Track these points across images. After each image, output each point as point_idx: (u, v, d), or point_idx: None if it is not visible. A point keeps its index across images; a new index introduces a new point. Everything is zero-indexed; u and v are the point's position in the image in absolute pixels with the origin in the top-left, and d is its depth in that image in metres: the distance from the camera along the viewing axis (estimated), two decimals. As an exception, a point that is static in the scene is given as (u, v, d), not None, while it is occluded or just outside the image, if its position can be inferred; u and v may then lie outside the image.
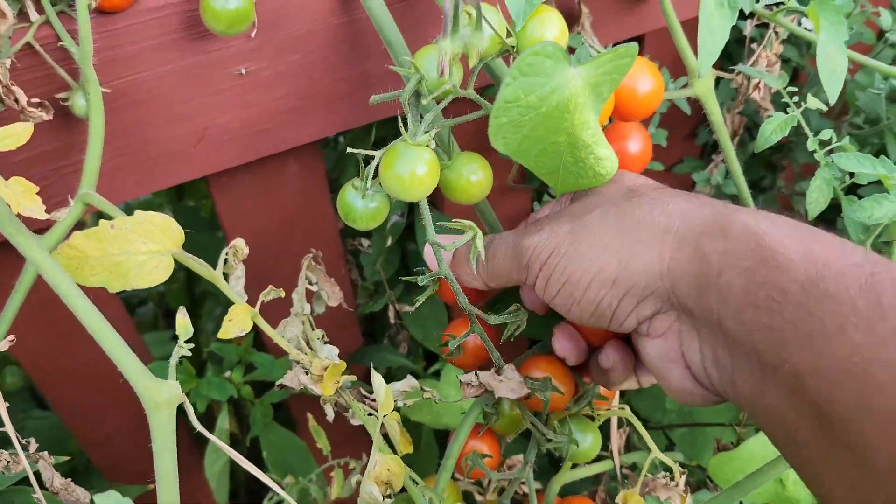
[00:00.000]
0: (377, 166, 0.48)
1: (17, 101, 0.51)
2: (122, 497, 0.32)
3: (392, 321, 0.89)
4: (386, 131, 0.79)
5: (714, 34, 0.55)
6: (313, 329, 0.60)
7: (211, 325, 1.06)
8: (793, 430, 0.37)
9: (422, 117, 0.49)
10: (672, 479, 0.59)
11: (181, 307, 0.45)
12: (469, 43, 0.46)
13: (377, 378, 0.52)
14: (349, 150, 0.45)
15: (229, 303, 0.54)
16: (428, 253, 0.54)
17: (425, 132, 0.47)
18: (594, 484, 0.83)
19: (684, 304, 0.43)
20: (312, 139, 0.68)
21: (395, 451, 0.56)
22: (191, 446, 0.89)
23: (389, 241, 0.82)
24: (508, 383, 0.53)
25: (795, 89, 0.66)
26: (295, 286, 0.63)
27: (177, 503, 0.42)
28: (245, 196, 0.72)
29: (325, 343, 0.59)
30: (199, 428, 0.44)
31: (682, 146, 0.91)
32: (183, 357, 0.48)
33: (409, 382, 0.58)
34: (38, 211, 0.42)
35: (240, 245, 0.56)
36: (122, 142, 0.61)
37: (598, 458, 0.71)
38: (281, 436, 0.82)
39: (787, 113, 0.64)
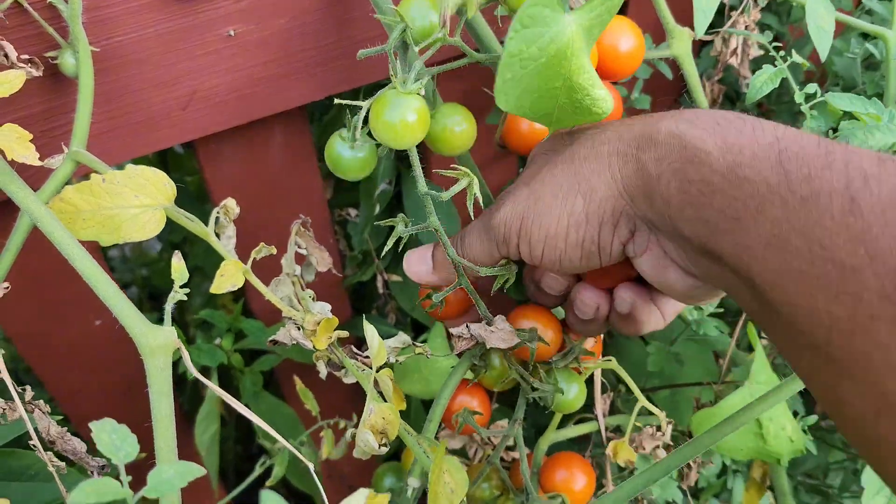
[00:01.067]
0: (366, 115, 0.49)
1: (6, 56, 0.51)
2: (118, 424, 0.33)
3: (381, 291, 0.89)
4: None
5: None
6: (303, 290, 0.61)
7: (199, 299, 1.06)
8: (744, 304, 0.41)
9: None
10: (659, 429, 0.60)
11: (176, 252, 0.46)
12: None
13: (370, 329, 0.53)
14: (336, 101, 0.46)
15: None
16: (410, 260, 0.59)
17: (416, 80, 0.48)
18: (580, 450, 0.84)
19: (644, 215, 0.45)
20: (299, 104, 0.68)
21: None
22: (181, 422, 0.90)
23: (377, 210, 0.83)
24: (500, 333, 0.54)
25: (780, 45, 0.68)
26: (283, 253, 0.64)
27: (173, 446, 0.43)
28: (232, 162, 0.73)
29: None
30: (196, 374, 0.44)
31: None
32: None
33: (401, 338, 0.58)
34: (31, 158, 0.42)
35: (231, 205, 0.56)
36: (111, 105, 0.61)
37: (584, 421, 0.72)
38: (270, 404, 0.83)
39: (774, 66, 0.65)
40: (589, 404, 0.69)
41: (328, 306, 0.57)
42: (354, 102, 0.50)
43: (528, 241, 0.50)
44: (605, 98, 0.48)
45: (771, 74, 0.65)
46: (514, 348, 0.56)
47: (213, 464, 0.82)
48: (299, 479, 0.82)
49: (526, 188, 0.50)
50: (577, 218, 0.47)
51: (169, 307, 0.45)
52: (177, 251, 0.46)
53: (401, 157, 0.90)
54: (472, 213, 0.52)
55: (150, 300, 1.36)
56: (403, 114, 0.47)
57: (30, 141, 0.44)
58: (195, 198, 0.98)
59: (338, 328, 0.56)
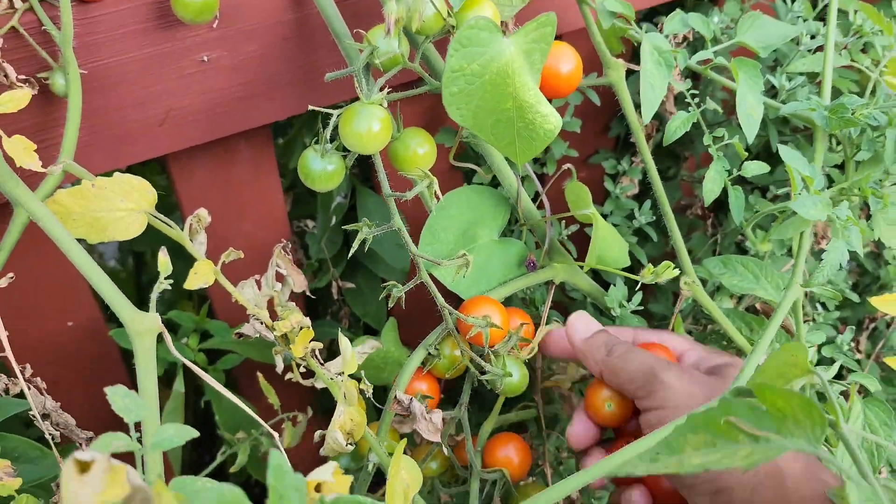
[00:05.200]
0: (334, 129, 0.57)
1: (6, 76, 0.57)
2: (128, 390, 0.39)
3: (335, 297, 0.96)
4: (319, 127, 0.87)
5: (654, 89, 0.66)
6: (282, 303, 0.67)
7: (162, 306, 1.11)
8: None
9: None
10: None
11: (162, 247, 0.52)
12: (412, 7, 0.55)
13: (344, 340, 0.60)
14: (310, 107, 0.53)
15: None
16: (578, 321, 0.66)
17: (378, 92, 0.55)
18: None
19: None
20: (265, 122, 0.75)
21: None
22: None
23: (333, 221, 0.90)
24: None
25: (696, 92, 0.77)
26: (246, 263, 0.70)
27: (158, 417, 0.49)
28: (201, 176, 0.79)
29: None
30: (178, 355, 0.51)
31: (597, 139, 1.01)
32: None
33: (371, 344, 0.66)
34: (35, 165, 0.49)
35: (203, 214, 0.63)
36: (94, 120, 0.67)
37: (525, 409, 0.79)
38: (231, 403, 0.89)
39: (688, 112, 0.74)
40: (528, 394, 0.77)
41: (307, 320, 0.63)
42: (326, 110, 0.57)
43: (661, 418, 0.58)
44: (552, 113, 0.56)
45: (683, 120, 0.73)
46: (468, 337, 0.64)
47: (178, 458, 0.88)
48: (259, 470, 0.88)
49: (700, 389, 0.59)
50: None
51: (154, 295, 0.51)
52: (163, 247, 0.53)
53: (354, 173, 0.97)
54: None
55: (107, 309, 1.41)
56: (370, 123, 0.55)
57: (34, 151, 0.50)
58: (161, 212, 1.03)
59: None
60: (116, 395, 0.38)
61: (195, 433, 0.40)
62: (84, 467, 0.29)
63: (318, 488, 0.40)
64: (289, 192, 0.96)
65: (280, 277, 0.68)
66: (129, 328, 0.50)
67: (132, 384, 0.93)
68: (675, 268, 0.64)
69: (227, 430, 0.86)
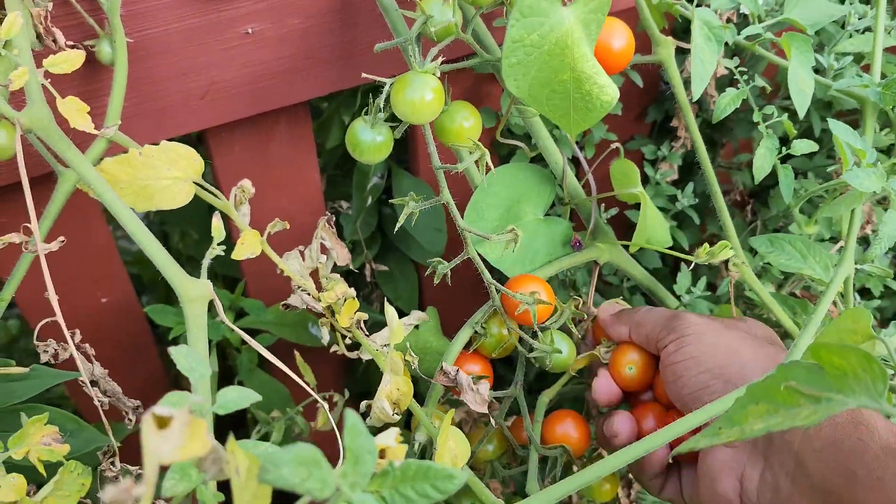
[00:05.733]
0: (385, 99, 0.56)
1: (55, 41, 0.56)
2: (190, 349, 0.39)
3: (368, 280, 0.95)
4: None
5: (705, 63, 0.65)
6: (326, 275, 0.66)
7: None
8: None
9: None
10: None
11: (216, 213, 0.51)
12: None
13: (390, 309, 0.59)
14: (364, 74, 0.53)
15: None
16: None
17: (431, 62, 0.54)
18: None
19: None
20: (307, 98, 0.74)
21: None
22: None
23: (369, 202, 0.89)
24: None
25: (745, 69, 0.76)
26: (282, 241, 0.69)
27: (209, 384, 0.48)
28: (240, 151, 0.79)
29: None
30: (226, 321, 0.50)
31: (634, 125, 1.00)
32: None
33: (417, 315, 0.65)
34: (88, 127, 0.48)
35: (247, 185, 0.62)
36: (137, 91, 0.67)
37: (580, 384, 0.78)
38: (263, 380, 0.88)
39: (737, 89, 0.73)
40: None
41: (353, 290, 0.63)
42: (380, 78, 0.56)
43: (679, 346, 0.60)
44: (610, 85, 0.55)
45: (733, 96, 0.72)
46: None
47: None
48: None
49: (720, 323, 0.62)
50: (723, 372, 0.56)
51: (205, 262, 0.51)
52: (217, 213, 0.52)
53: (390, 155, 0.96)
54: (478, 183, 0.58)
55: (139, 295, 1.40)
56: (423, 91, 0.54)
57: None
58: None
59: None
60: (180, 355, 0.37)
61: (258, 397, 0.39)
62: (163, 423, 0.28)
63: (381, 454, 0.39)
64: (322, 174, 0.95)
65: (323, 251, 0.67)
66: (181, 294, 0.49)
67: (163, 362, 0.93)
68: (730, 247, 0.63)
69: (259, 408, 0.85)
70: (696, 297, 0.72)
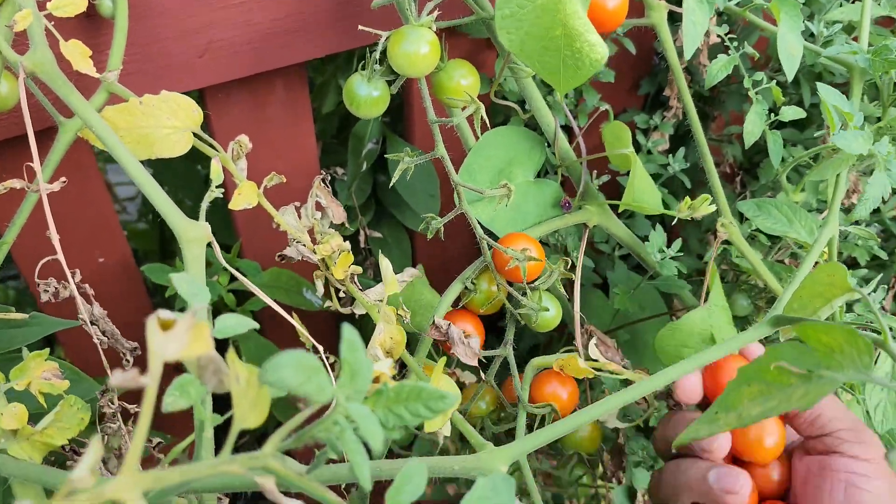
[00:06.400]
0: (382, 54, 0.57)
1: (57, -8, 0.57)
2: (191, 277, 0.40)
3: (361, 246, 0.96)
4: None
5: (696, 25, 0.66)
6: (321, 228, 0.67)
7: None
8: None
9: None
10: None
11: (215, 157, 0.52)
12: None
13: (384, 261, 0.60)
14: (360, 27, 0.54)
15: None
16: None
17: (427, 15, 0.56)
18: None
19: None
20: (304, 59, 0.75)
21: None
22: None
23: (364, 167, 0.90)
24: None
25: (735, 36, 0.77)
26: (278, 202, 0.70)
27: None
28: (238, 112, 0.80)
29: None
30: (227, 265, 0.51)
31: (627, 97, 1.01)
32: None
33: (410, 272, 0.66)
34: (90, 70, 0.49)
35: (244, 139, 0.63)
36: (137, 49, 0.67)
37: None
38: (258, 343, 0.89)
39: (728, 56, 0.74)
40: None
41: (347, 244, 0.64)
42: (376, 31, 0.57)
43: None
44: (599, 43, 0.56)
45: (724, 63, 0.74)
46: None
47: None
48: (283, 411, 0.88)
49: None
50: None
51: (205, 204, 0.52)
52: (215, 157, 0.53)
53: (385, 121, 0.98)
54: (478, 134, 0.59)
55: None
56: (418, 44, 0.55)
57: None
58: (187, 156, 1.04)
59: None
60: (182, 281, 0.38)
61: (254, 324, 0.41)
62: (167, 325, 0.29)
63: (376, 380, 0.40)
64: (318, 140, 0.96)
65: (319, 209, 0.68)
66: (180, 236, 0.50)
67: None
68: (711, 202, 0.64)
69: (254, 370, 0.86)
70: (668, 258, 0.73)
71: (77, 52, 0.49)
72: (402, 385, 0.36)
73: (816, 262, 0.63)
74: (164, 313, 0.29)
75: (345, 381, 0.33)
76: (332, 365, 0.83)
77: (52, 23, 0.51)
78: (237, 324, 0.39)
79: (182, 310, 0.77)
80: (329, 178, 0.95)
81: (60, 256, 0.50)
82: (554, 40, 0.56)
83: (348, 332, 0.33)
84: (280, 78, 0.79)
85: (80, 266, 0.82)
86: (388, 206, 0.97)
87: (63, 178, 0.53)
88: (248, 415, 0.31)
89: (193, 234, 0.50)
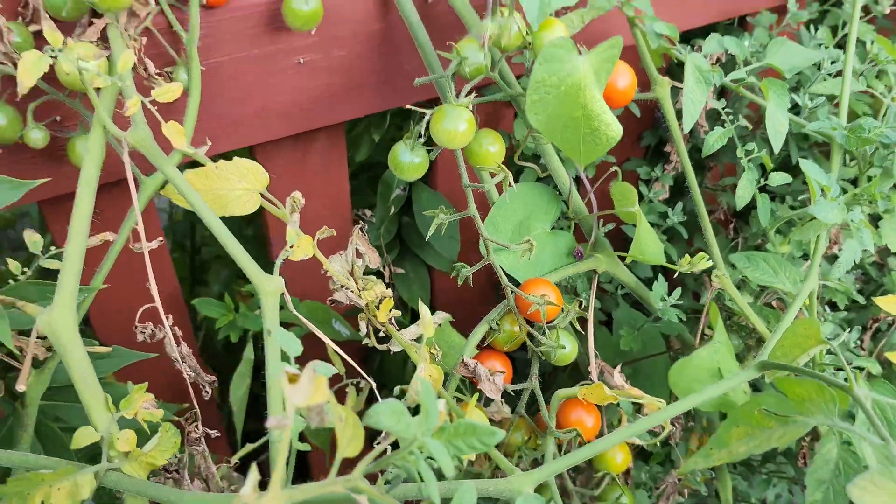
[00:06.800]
0: (426, 126, 0.66)
1: (146, 69, 0.66)
2: (286, 330, 0.49)
3: (386, 281, 1.05)
4: (399, 120, 0.97)
5: (695, 103, 0.75)
6: (360, 276, 0.76)
7: (217, 287, 1.21)
8: None
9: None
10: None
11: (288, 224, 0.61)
12: (504, 25, 0.64)
13: (423, 307, 0.69)
14: (408, 106, 0.63)
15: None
16: None
17: (466, 96, 0.65)
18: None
19: None
20: (347, 119, 0.85)
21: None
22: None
23: (392, 211, 0.99)
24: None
25: (730, 109, 0.86)
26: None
27: (278, 370, 0.58)
28: (281, 162, 0.88)
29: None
30: (293, 310, 0.60)
31: (631, 148, 1.11)
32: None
33: (442, 315, 0.75)
34: (185, 147, 0.58)
35: (297, 196, 0.72)
36: (202, 110, 0.76)
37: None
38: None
39: (723, 127, 0.84)
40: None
41: (390, 291, 0.73)
42: (420, 109, 0.66)
43: None
44: (615, 122, 0.65)
45: (720, 135, 0.83)
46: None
47: (241, 418, 0.97)
48: (318, 436, 0.97)
49: None
50: None
51: (278, 262, 0.61)
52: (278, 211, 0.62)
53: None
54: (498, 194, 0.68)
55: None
56: (457, 122, 0.64)
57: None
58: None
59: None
60: (283, 338, 0.47)
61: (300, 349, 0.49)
62: (292, 378, 0.38)
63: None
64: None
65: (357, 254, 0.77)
66: (259, 289, 0.59)
67: (204, 352, 1.02)
68: (708, 259, 0.74)
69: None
70: (669, 305, 0.82)
71: (175, 132, 0.58)
72: (460, 423, 0.45)
73: (800, 310, 0.73)
74: (289, 369, 0.38)
75: (422, 419, 0.42)
76: (360, 389, 0.92)
77: (155, 106, 0.60)
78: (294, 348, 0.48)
79: (228, 339, 0.85)
80: (359, 219, 1.04)
81: (158, 304, 0.59)
82: (575, 120, 0.65)
83: (425, 384, 0.42)
84: (322, 133, 0.88)
85: (141, 301, 0.91)
86: (412, 244, 1.06)
87: (160, 238, 0.62)
88: (348, 446, 0.40)
89: (272, 287, 0.58)
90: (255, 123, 0.80)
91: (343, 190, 0.95)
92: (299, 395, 0.37)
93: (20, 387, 0.53)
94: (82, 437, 0.53)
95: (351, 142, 1.00)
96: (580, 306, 0.80)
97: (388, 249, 1.04)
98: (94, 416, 0.54)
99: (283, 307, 0.96)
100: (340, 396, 0.96)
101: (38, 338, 0.60)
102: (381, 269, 1.04)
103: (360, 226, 0.79)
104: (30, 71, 0.52)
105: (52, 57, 0.54)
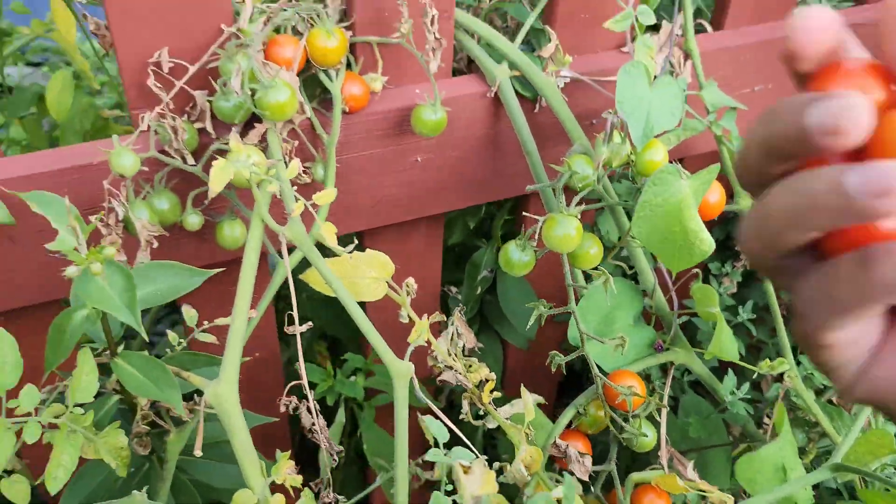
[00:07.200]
0: (537, 230, 0.74)
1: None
2: (437, 421, 0.56)
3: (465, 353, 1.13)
4: (492, 210, 1.06)
5: None
6: (464, 355, 0.84)
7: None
8: None
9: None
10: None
11: (426, 315, 0.69)
12: (615, 151, 0.73)
13: (525, 392, 0.76)
14: (524, 213, 0.71)
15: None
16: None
17: (576, 206, 0.73)
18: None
19: None
20: (449, 209, 0.93)
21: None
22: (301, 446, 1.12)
23: (479, 291, 1.07)
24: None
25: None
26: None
27: (406, 442, 0.66)
28: (386, 244, 0.97)
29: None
30: (420, 396, 0.68)
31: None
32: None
33: (534, 397, 0.82)
34: (335, 245, 0.66)
35: (410, 282, 0.80)
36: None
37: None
38: (379, 434, 1.05)
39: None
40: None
41: (493, 374, 0.80)
42: (534, 216, 0.74)
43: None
44: (708, 239, 0.72)
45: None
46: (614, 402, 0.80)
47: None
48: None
49: None
50: None
51: (409, 349, 0.68)
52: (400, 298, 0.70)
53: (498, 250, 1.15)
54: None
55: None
56: (568, 229, 0.72)
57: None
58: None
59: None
60: (432, 424, 0.55)
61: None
62: (466, 470, 0.45)
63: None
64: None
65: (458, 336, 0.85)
66: (392, 371, 0.66)
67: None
68: (784, 363, 0.80)
69: (372, 456, 1.02)
70: (738, 398, 0.88)
71: (328, 232, 0.67)
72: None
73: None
74: (463, 461, 0.46)
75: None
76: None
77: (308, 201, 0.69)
78: (441, 434, 0.56)
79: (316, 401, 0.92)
80: (445, 296, 1.12)
81: (305, 383, 0.67)
82: (673, 234, 0.73)
83: (568, 485, 0.49)
84: (425, 220, 0.97)
85: (255, 368, 1.00)
86: (491, 320, 1.14)
87: (310, 323, 0.70)
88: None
89: (403, 370, 0.66)
90: (368, 212, 0.89)
91: (436, 271, 1.04)
92: (473, 486, 0.44)
93: (197, 452, 0.61)
94: (242, 499, 0.60)
95: (445, 225, 1.08)
96: (658, 398, 0.87)
97: (471, 324, 1.12)
98: (251, 481, 0.61)
99: (372, 375, 1.04)
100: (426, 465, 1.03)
101: (199, 406, 0.67)
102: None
103: (460, 308, 0.87)
104: (219, 178, 0.61)
105: (234, 165, 0.63)
